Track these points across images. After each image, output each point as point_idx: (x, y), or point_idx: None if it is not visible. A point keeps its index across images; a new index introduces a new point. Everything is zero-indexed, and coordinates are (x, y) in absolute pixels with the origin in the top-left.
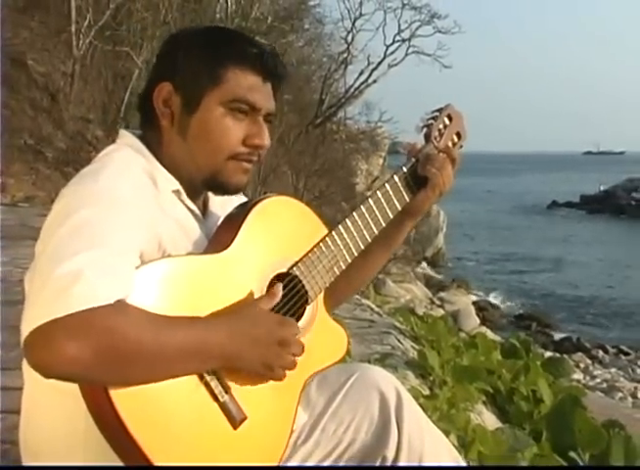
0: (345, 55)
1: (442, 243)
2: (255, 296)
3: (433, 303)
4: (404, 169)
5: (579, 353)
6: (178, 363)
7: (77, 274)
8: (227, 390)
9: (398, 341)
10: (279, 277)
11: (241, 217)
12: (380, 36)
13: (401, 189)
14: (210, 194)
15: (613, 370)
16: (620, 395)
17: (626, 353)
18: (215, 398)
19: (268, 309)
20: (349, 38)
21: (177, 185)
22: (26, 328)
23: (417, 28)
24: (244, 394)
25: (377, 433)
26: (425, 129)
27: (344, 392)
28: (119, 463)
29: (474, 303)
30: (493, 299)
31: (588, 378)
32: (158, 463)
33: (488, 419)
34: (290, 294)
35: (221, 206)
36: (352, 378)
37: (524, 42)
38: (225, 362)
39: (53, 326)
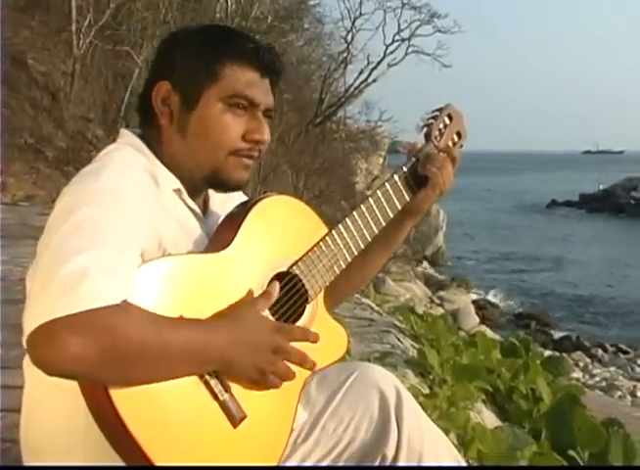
0: (345, 54)
1: (442, 242)
2: (255, 295)
3: (432, 301)
4: (404, 169)
5: (579, 352)
6: (179, 364)
7: (83, 273)
8: (227, 388)
9: (398, 340)
10: (279, 276)
11: (241, 216)
12: (379, 36)
13: (401, 188)
14: (211, 193)
15: (612, 369)
16: (620, 393)
17: (625, 352)
18: (215, 396)
19: (265, 314)
20: (349, 38)
21: (178, 184)
22: (30, 325)
23: (417, 28)
24: (244, 392)
25: (377, 431)
26: (425, 129)
27: (344, 390)
28: (119, 461)
29: (473, 301)
30: (493, 298)
31: (587, 377)
32: (157, 461)
33: (488, 418)
34: (290, 293)
35: (222, 205)
36: (352, 377)
37: (523, 42)
38: (222, 366)
39: (57, 324)
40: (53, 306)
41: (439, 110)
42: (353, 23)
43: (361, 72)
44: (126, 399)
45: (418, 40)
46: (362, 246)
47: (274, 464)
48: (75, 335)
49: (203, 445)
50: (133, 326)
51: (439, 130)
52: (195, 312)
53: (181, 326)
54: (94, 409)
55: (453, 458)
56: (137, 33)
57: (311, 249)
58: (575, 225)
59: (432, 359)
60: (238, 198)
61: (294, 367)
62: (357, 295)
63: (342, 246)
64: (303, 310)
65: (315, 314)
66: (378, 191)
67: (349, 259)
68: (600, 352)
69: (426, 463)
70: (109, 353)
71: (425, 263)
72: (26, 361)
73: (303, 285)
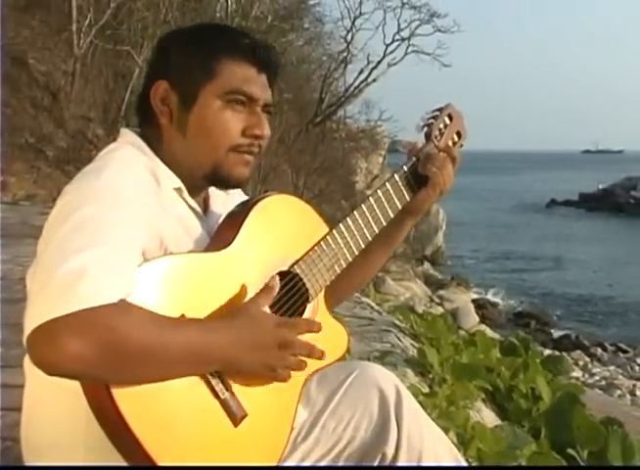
0: (345, 54)
1: (442, 241)
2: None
3: (432, 301)
4: (405, 168)
5: (578, 351)
6: (181, 365)
7: (81, 272)
8: (228, 387)
9: (398, 339)
10: (280, 275)
11: (242, 216)
12: (379, 35)
13: (402, 188)
14: (211, 192)
15: (611, 368)
16: (619, 392)
17: (625, 351)
18: (216, 395)
19: (267, 310)
20: (349, 37)
21: (179, 183)
22: (30, 325)
23: (416, 27)
24: (244, 391)
25: (376, 430)
26: (425, 128)
27: (344, 389)
28: (120, 459)
29: (473, 301)
30: (493, 297)
31: (587, 376)
32: (158, 460)
33: (487, 417)
34: (290, 292)
35: (222, 204)
36: (352, 376)
37: (523, 41)
38: (226, 366)
39: (56, 324)
40: (52, 306)
41: (439, 109)
42: (353, 23)
43: (361, 72)
44: (128, 398)
45: (418, 40)
46: (363, 245)
47: (274, 463)
48: (75, 335)
49: (204, 443)
50: (134, 326)
51: (439, 130)
52: (196, 311)
53: (182, 326)
54: (96, 408)
55: (453, 457)
56: (137, 33)
57: (312, 248)
58: (575, 224)
59: (431, 358)
60: (238, 197)
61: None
62: (357, 294)
63: (342, 245)
64: (304, 310)
65: (316, 313)
66: (378, 190)
67: (350, 259)
68: (599, 351)
69: (425, 462)
70: (109, 353)
71: (425, 263)
72: (27, 360)
73: (304, 284)
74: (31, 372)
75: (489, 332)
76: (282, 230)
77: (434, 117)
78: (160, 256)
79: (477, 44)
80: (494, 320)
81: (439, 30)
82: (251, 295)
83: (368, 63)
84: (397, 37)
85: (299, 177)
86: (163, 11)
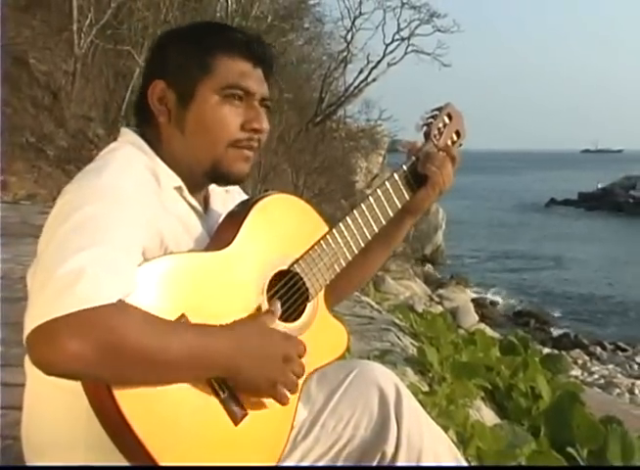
0: (345, 53)
1: (441, 240)
2: (256, 294)
3: (432, 300)
4: (404, 168)
5: (577, 350)
6: (180, 368)
7: (81, 272)
8: (228, 386)
9: (398, 337)
10: (280, 274)
11: (242, 215)
12: (379, 35)
13: (401, 187)
14: (212, 190)
15: (610, 366)
16: (618, 391)
17: (624, 350)
18: (216, 394)
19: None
20: (349, 37)
21: (179, 181)
22: (29, 325)
23: (416, 27)
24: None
25: (376, 429)
26: (425, 128)
27: (344, 388)
28: (121, 458)
29: (473, 300)
30: (492, 296)
31: (586, 374)
32: (159, 459)
33: (487, 415)
34: (290, 291)
35: (222, 202)
36: (352, 374)
37: (523, 41)
38: (229, 374)
39: (56, 324)
40: (51, 306)
41: (439, 109)
42: (353, 23)
43: (361, 72)
44: (129, 398)
45: (417, 39)
46: (362, 244)
47: (274, 462)
48: (74, 335)
49: (204, 442)
50: (132, 327)
51: (439, 129)
52: (196, 311)
53: (180, 329)
54: (97, 408)
55: (453, 456)
56: (138, 33)
57: (312, 247)
58: (574, 224)
59: (431, 357)
60: (238, 195)
61: None
62: (357, 293)
63: (342, 244)
64: (304, 309)
65: (316, 313)
66: (378, 190)
67: (350, 258)
68: (598, 349)
69: (425, 461)
70: (107, 353)
71: (426, 264)
72: (28, 359)
73: (304, 283)
74: (32, 371)
75: (489, 331)
76: (282, 229)
77: (433, 117)
78: (160, 255)
79: (477, 44)
80: (494, 319)
81: (439, 30)
82: (251, 294)
83: (368, 62)
84: (397, 37)
85: (299, 177)
86: (164, 11)
